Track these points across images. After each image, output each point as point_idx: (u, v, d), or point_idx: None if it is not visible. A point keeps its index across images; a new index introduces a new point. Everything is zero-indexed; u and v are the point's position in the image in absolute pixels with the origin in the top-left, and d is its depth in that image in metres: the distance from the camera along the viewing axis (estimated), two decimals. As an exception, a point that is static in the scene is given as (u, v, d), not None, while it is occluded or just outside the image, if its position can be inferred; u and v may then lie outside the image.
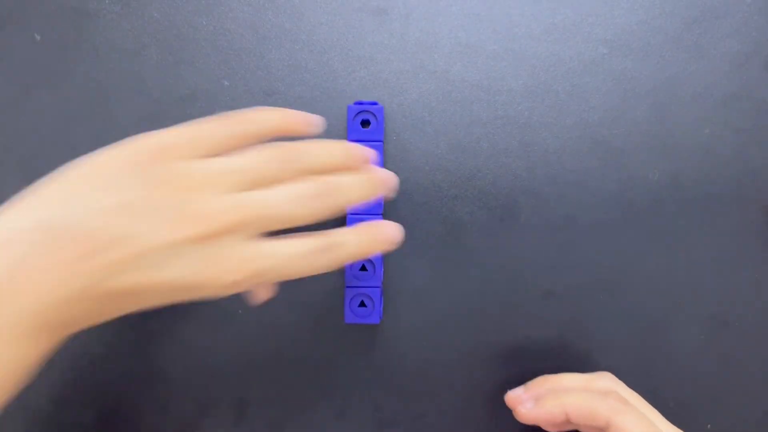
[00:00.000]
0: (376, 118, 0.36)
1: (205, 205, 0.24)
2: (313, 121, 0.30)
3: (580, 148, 0.38)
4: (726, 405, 0.38)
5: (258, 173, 0.26)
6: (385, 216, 0.38)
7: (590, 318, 0.38)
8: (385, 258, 0.38)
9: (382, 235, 0.29)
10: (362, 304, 0.36)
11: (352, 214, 0.36)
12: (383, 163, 0.38)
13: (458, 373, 0.39)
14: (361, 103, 0.36)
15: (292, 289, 0.39)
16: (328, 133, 0.39)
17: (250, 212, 0.25)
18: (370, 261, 0.36)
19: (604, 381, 0.34)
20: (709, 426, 0.38)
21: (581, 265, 0.38)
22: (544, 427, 0.33)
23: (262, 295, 0.32)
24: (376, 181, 0.29)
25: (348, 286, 0.36)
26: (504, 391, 0.36)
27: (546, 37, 0.38)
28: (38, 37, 0.39)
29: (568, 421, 0.32)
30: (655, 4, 0.38)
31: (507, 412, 0.35)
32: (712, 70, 0.38)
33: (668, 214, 0.38)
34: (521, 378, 0.38)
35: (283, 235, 0.26)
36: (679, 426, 0.32)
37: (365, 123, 0.37)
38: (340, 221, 0.38)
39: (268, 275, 0.25)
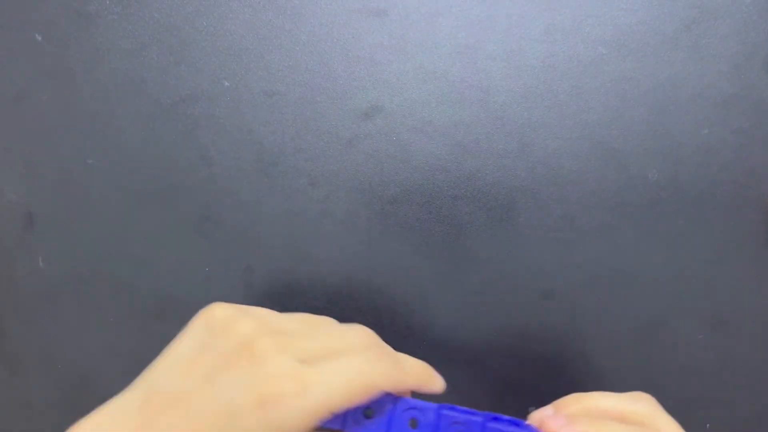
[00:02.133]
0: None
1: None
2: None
3: (579, 148, 0.38)
4: (725, 405, 0.38)
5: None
6: (386, 215, 0.39)
7: (590, 318, 0.38)
8: (386, 258, 0.38)
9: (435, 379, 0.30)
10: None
11: None
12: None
13: (458, 372, 0.39)
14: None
15: (293, 290, 0.39)
16: (329, 134, 0.39)
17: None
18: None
19: (643, 406, 0.30)
20: (708, 425, 0.38)
21: (581, 265, 0.38)
22: None
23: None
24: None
25: None
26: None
27: (545, 38, 0.38)
28: (39, 38, 0.39)
29: None
30: (654, 4, 0.38)
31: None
32: (712, 70, 0.38)
33: (668, 214, 0.38)
34: (521, 378, 0.38)
35: None
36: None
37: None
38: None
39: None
